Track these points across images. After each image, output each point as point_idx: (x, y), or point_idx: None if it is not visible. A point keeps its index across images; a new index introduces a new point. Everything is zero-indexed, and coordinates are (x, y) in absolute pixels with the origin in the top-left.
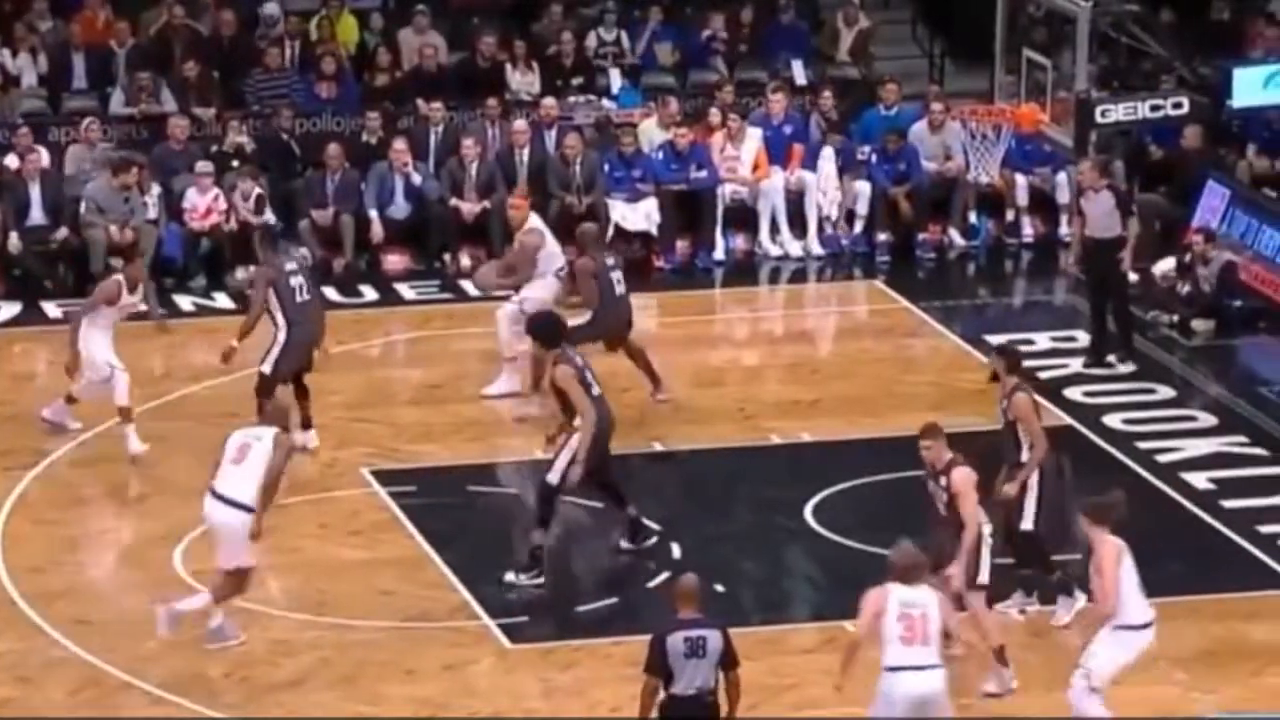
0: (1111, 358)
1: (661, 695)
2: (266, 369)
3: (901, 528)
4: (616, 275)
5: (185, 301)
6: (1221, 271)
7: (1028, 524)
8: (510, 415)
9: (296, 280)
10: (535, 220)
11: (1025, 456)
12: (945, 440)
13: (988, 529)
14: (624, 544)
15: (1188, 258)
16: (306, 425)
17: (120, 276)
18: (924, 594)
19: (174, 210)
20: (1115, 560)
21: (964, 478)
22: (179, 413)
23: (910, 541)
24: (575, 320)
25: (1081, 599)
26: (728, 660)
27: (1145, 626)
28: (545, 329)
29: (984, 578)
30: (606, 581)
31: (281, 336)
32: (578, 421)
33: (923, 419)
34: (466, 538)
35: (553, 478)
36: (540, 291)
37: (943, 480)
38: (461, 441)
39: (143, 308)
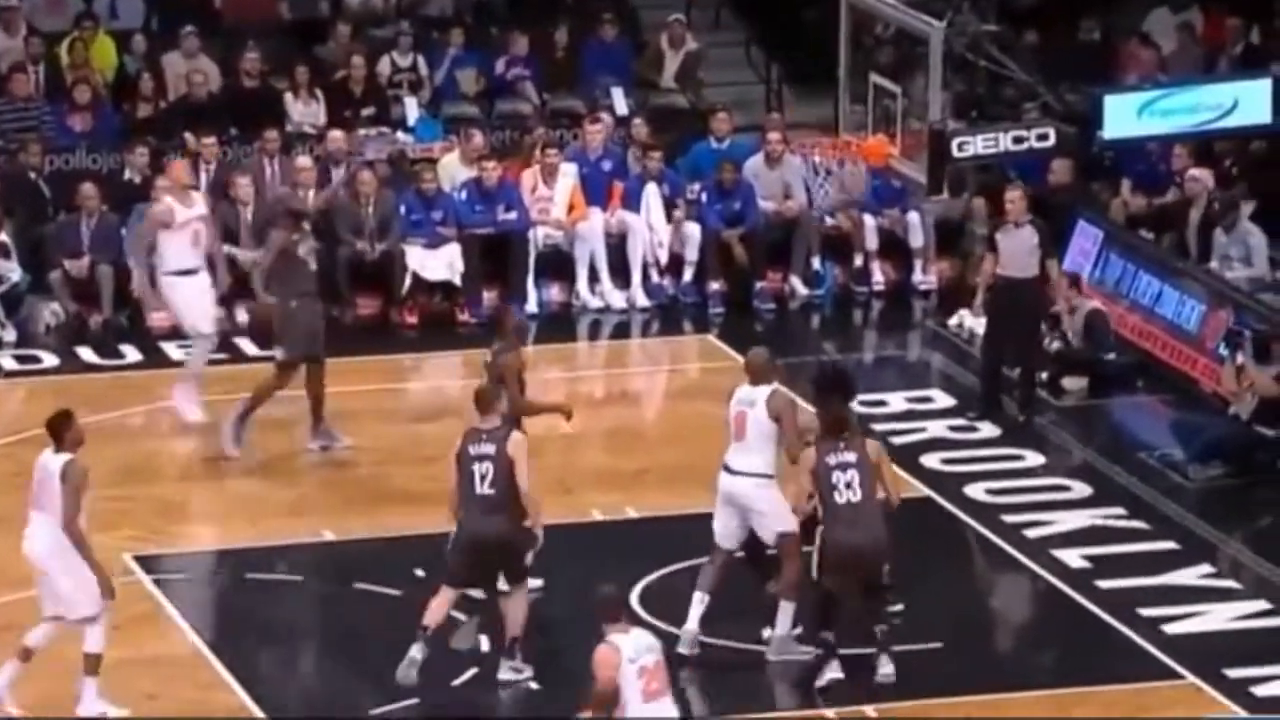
0: (1020, 418)
1: None
2: None
3: (742, 613)
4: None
5: None
6: (1088, 321)
7: (813, 573)
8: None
9: None
10: None
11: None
12: None
13: None
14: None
15: (1057, 306)
16: None
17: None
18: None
19: None
20: (614, 668)
21: None
22: None
23: None
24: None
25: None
26: None
27: None
28: (843, 382)
29: None
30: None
31: None
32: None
33: None
34: (244, 632)
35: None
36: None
37: None
38: (239, 523)
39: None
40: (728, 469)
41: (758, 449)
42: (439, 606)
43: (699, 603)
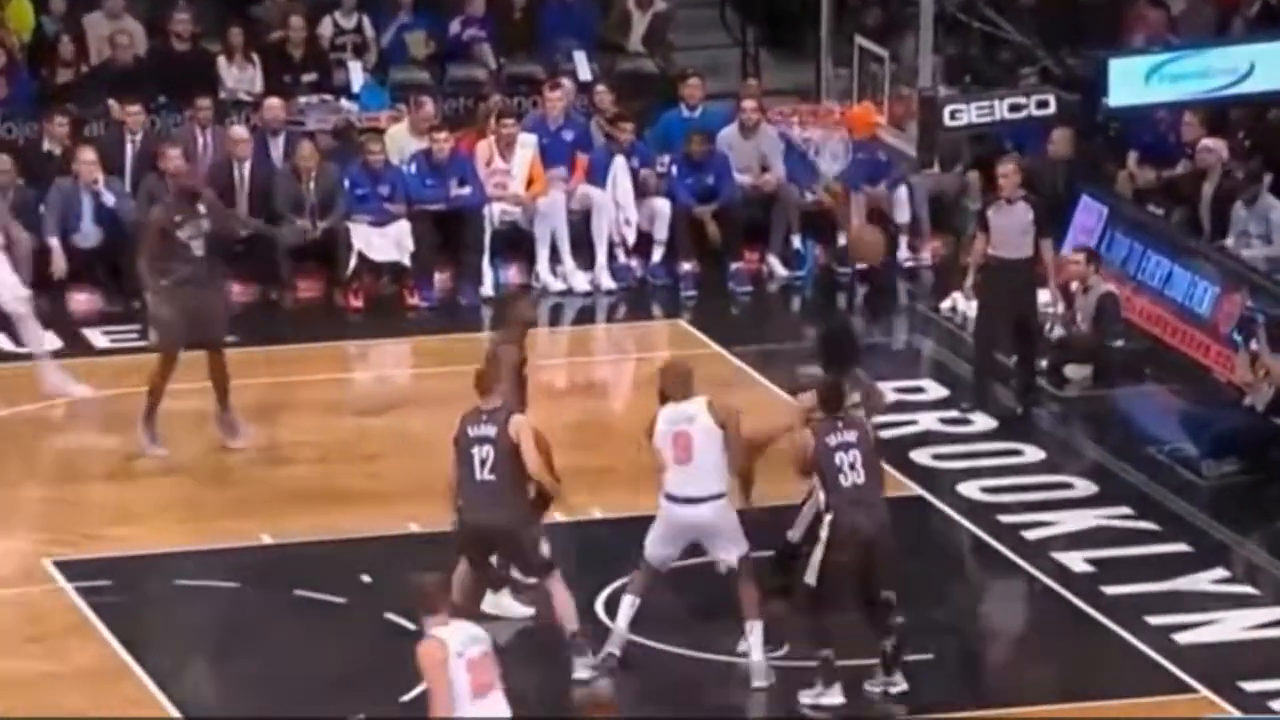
0: (1018, 410)
1: None
2: None
3: (712, 624)
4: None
5: None
6: (1099, 304)
7: (810, 576)
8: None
9: None
10: None
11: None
12: None
13: None
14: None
15: (1074, 286)
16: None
17: None
18: None
19: None
20: (441, 663)
21: None
22: None
23: None
24: None
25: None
26: None
27: None
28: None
29: None
30: (352, 693)
31: None
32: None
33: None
34: (173, 642)
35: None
36: None
37: None
38: (167, 524)
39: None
40: (680, 499)
41: (711, 466)
42: (461, 583)
43: (629, 606)
